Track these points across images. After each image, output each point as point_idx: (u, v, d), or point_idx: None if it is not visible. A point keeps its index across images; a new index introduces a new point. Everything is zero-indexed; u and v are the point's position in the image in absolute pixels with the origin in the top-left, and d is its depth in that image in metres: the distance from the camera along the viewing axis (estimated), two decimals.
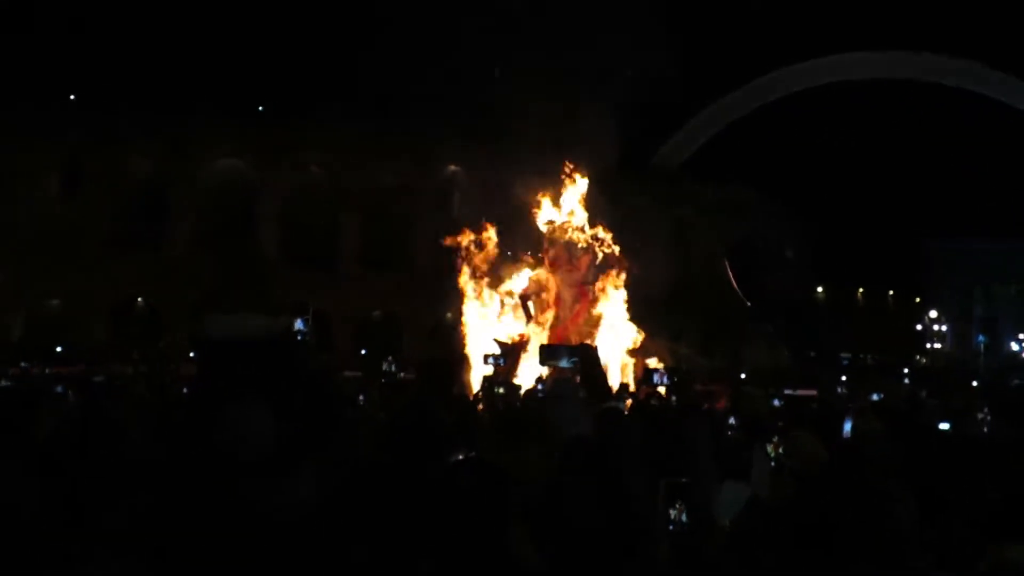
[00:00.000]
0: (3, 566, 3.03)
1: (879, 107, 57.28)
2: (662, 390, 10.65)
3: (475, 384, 14.79)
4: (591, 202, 18.13)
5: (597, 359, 4.09)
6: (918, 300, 60.41)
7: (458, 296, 17.57)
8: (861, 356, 40.20)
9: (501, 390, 9.38)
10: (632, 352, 17.32)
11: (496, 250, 17.42)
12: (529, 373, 15.20)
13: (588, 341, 16.95)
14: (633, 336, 17.40)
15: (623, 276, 17.55)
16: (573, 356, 4.60)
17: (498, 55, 19.30)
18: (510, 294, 17.40)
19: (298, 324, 5.91)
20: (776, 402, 10.12)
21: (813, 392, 15.28)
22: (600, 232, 17.80)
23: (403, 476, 3.36)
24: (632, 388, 16.31)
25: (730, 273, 41.30)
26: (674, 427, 5.53)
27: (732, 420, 7.41)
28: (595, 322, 17.19)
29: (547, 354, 5.60)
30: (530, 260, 17.84)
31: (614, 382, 16.82)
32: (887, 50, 46.19)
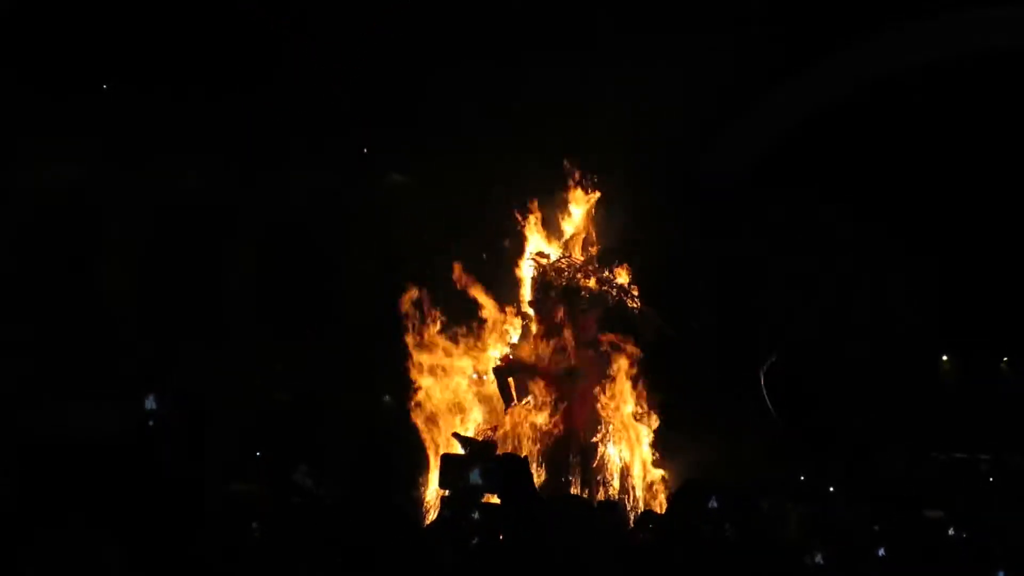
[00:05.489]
0: None
1: None
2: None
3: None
4: (607, 227, 18.24)
5: (528, 474, 4.02)
6: None
7: (405, 368, 17.60)
8: (1007, 457, 40.38)
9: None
10: (659, 457, 17.31)
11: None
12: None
13: (595, 438, 17.01)
14: (654, 432, 17.34)
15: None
16: (488, 468, 4.44)
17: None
18: (480, 368, 17.44)
19: (149, 404, 5.93)
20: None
21: (941, 514, 15.49)
22: (622, 275, 17.88)
23: None
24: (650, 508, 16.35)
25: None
26: None
27: (818, 558, 7.54)
28: (610, 410, 17.15)
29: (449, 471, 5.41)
30: (510, 315, 17.92)
31: (631, 502, 16.86)
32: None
